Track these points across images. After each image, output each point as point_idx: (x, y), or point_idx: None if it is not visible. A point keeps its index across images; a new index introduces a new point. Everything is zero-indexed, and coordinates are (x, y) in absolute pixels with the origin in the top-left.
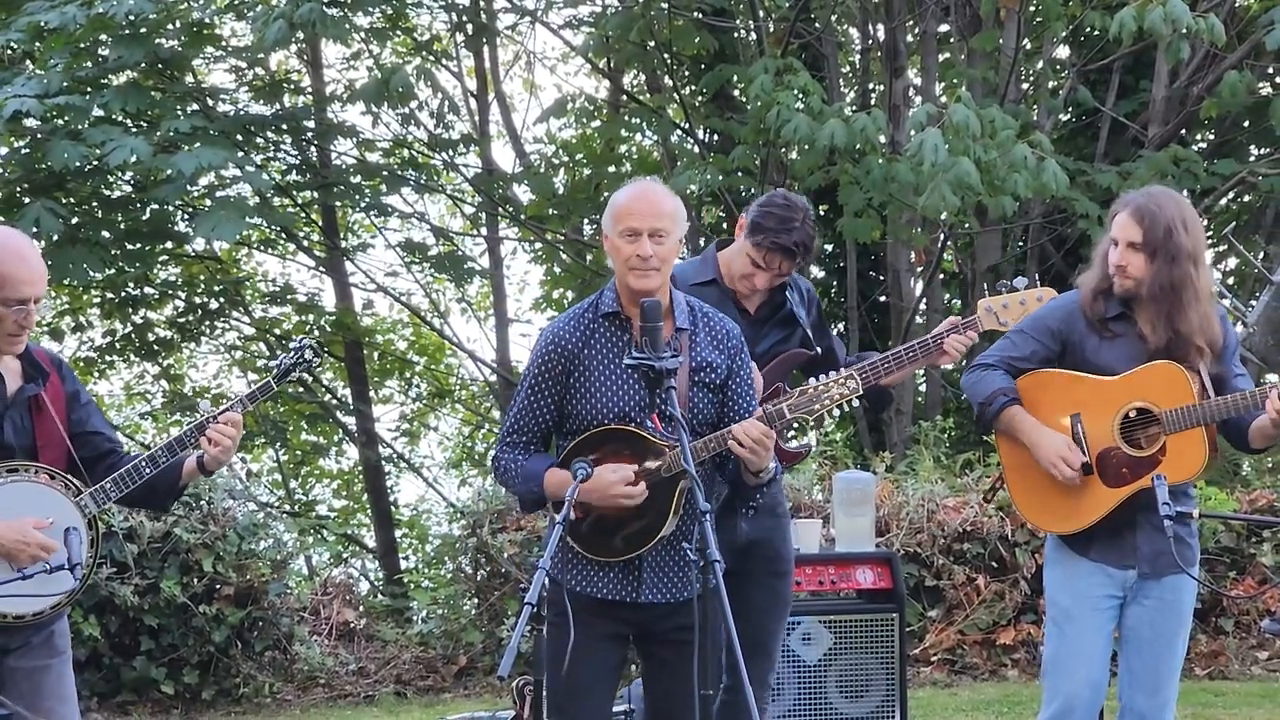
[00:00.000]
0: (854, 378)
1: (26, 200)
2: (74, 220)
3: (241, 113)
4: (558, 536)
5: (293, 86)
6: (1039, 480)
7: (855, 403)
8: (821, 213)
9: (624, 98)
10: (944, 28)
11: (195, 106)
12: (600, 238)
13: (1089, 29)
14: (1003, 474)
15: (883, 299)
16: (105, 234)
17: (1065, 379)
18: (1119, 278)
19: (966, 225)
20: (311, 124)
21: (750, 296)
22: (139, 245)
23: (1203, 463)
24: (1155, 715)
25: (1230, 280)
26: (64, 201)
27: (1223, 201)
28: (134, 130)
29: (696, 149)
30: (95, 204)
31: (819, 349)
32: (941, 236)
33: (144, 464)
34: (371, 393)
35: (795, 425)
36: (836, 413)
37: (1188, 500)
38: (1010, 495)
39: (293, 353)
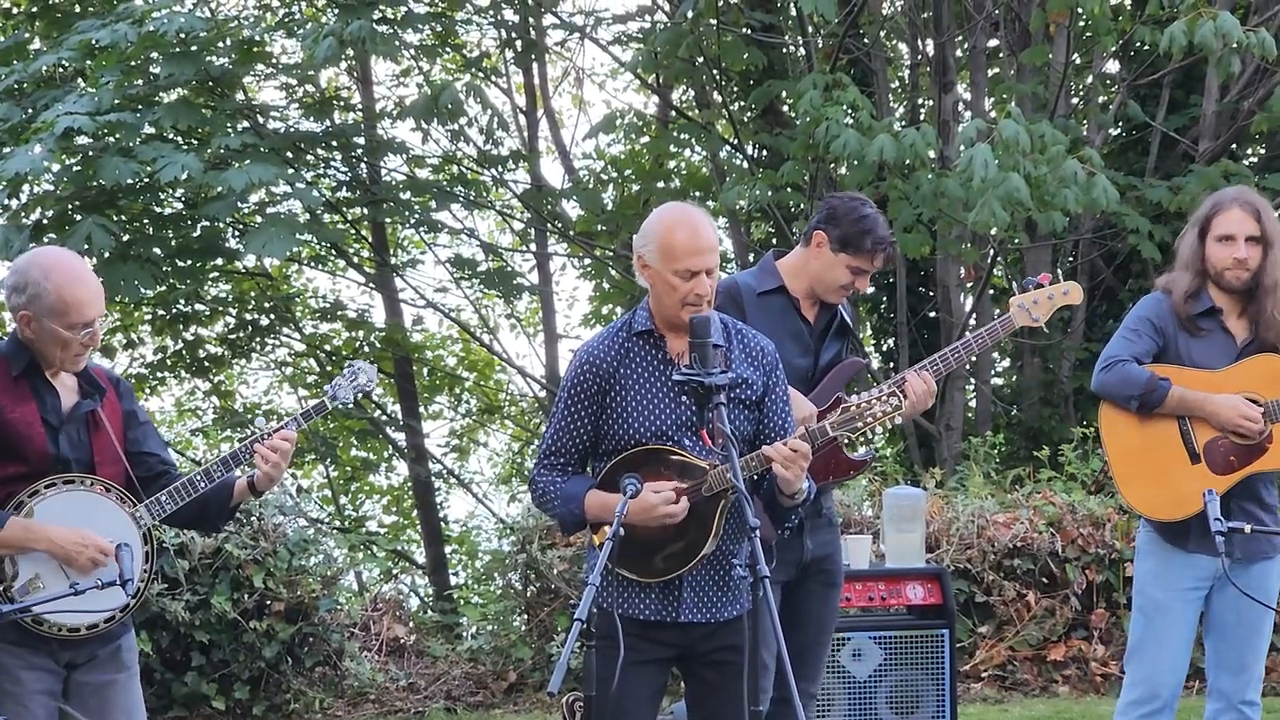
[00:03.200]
0: (896, 395)
1: (78, 217)
2: (125, 237)
3: (292, 129)
4: (608, 552)
5: (343, 103)
6: (1147, 470)
7: (899, 420)
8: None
9: (673, 113)
10: (993, 43)
11: (246, 123)
12: (638, 262)
13: (1139, 44)
14: (1107, 466)
15: (933, 314)
16: (156, 251)
17: (1170, 374)
18: (1237, 271)
19: (1016, 240)
20: (361, 140)
21: (814, 305)
22: (190, 262)
23: None
24: (1239, 694)
25: None
26: (115, 218)
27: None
28: (185, 147)
29: (745, 164)
30: (146, 221)
31: (866, 357)
32: (991, 252)
33: (199, 478)
34: (421, 409)
35: (849, 440)
36: (881, 429)
37: (1275, 490)
38: (1117, 485)
39: (347, 374)
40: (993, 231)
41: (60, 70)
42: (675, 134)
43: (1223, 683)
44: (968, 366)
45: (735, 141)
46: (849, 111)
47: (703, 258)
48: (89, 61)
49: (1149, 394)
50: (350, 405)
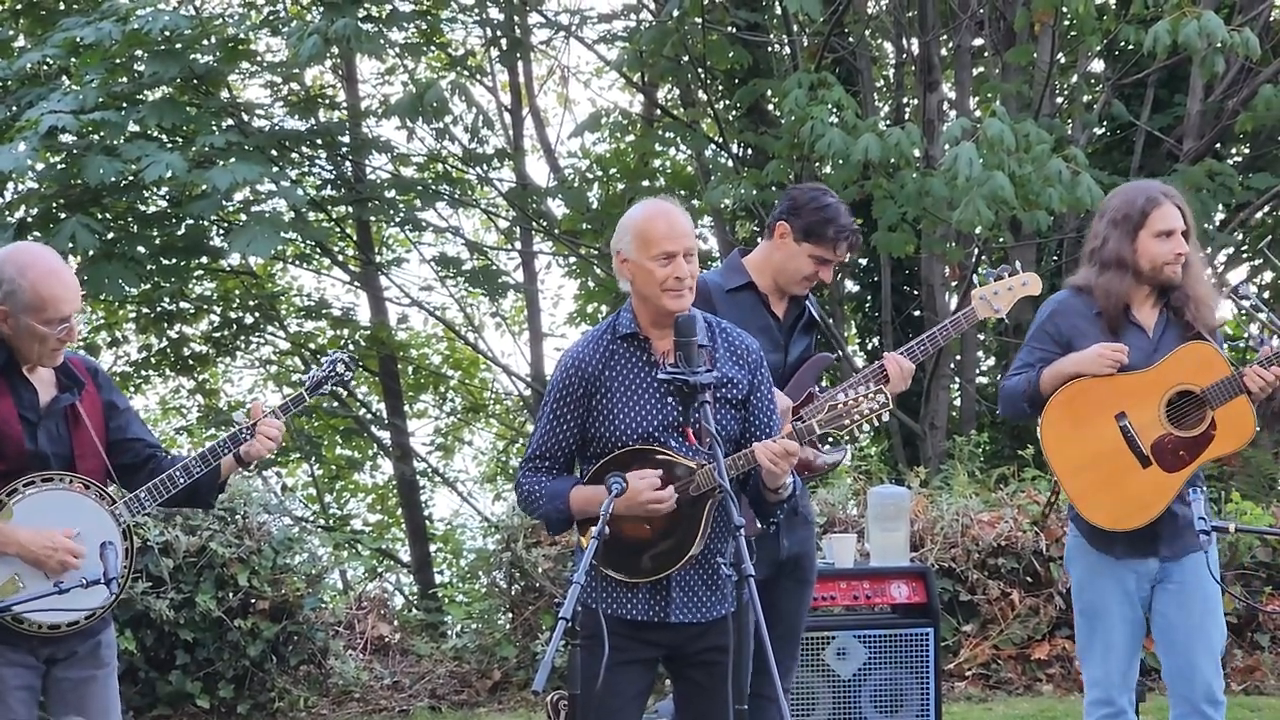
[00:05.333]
0: (883, 392)
1: (62, 215)
2: (109, 235)
3: (276, 128)
4: (593, 550)
5: (327, 101)
6: (1099, 483)
7: (886, 417)
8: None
9: (658, 112)
10: (978, 42)
11: (230, 121)
12: (617, 259)
13: (1123, 43)
14: (1058, 485)
15: (917, 313)
16: (141, 249)
17: (1100, 382)
18: (1176, 265)
19: (1001, 239)
20: (346, 139)
21: (783, 300)
22: (174, 260)
23: (1253, 427)
24: (1198, 697)
25: (1266, 294)
26: (100, 217)
27: (1258, 215)
28: (169, 145)
29: (730, 163)
30: (131, 219)
31: (841, 352)
32: (976, 250)
33: (178, 474)
34: (406, 407)
35: (830, 440)
36: (868, 428)
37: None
38: (1074, 504)
39: (325, 366)
40: (977, 230)
41: (44, 68)
42: (660, 132)
43: (1179, 687)
44: (951, 365)
45: (720, 140)
46: (834, 110)
47: (677, 240)
48: (73, 59)
49: (1029, 392)
50: (325, 394)
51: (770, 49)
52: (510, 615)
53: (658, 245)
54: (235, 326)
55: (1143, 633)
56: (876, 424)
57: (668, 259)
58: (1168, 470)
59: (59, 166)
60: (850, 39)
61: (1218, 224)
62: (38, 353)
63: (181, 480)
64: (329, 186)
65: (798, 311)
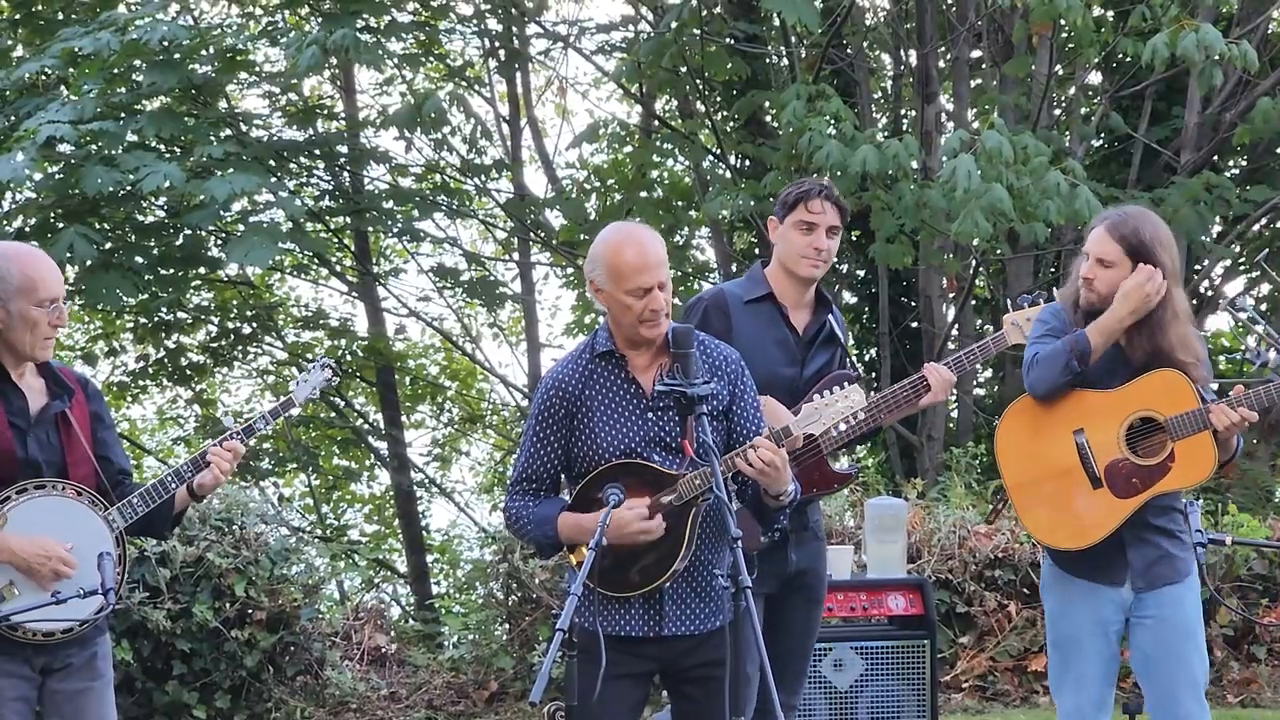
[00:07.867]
0: (859, 390)
1: (60, 225)
2: (107, 245)
3: (275, 138)
4: (590, 561)
5: (326, 112)
6: (1047, 497)
7: (861, 416)
8: (854, 238)
9: (656, 123)
10: (976, 54)
11: (228, 132)
12: (591, 286)
13: (1121, 55)
14: (1006, 495)
15: (915, 325)
16: (139, 259)
17: (1063, 396)
18: (1084, 290)
19: (999, 251)
20: (344, 149)
21: (801, 303)
22: (172, 270)
23: (1212, 465)
24: None
25: (1264, 307)
26: (97, 227)
27: (1255, 228)
28: (167, 156)
29: (728, 174)
30: (129, 229)
31: (858, 371)
32: (973, 262)
33: (169, 479)
34: (403, 418)
35: (844, 451)
36: (853, 434)
37: (1178, 516)
38: (1017, 514)
39: (313, 373)
40: (975, 242)
41: (43, 78)
42: (658, 143)
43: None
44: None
45: (718, 151)
46: (832, 122)
47: (651, 274)
48: (72, 69)
49: (1075, 348)
50: (315, 399)
51: (768, 60)
52: (507, 626)
53: (631, 280)
54: (233, 337)
55: (1116, 665)
56: (851, 423)
57: (643, 293)
58: (1118, 495)
59: (57, 176)
60: (848, 51)
61: (1215, 236)
62: (29, 342)
63: (173, 485)
64: (327, 197)
65: (818, 325)
